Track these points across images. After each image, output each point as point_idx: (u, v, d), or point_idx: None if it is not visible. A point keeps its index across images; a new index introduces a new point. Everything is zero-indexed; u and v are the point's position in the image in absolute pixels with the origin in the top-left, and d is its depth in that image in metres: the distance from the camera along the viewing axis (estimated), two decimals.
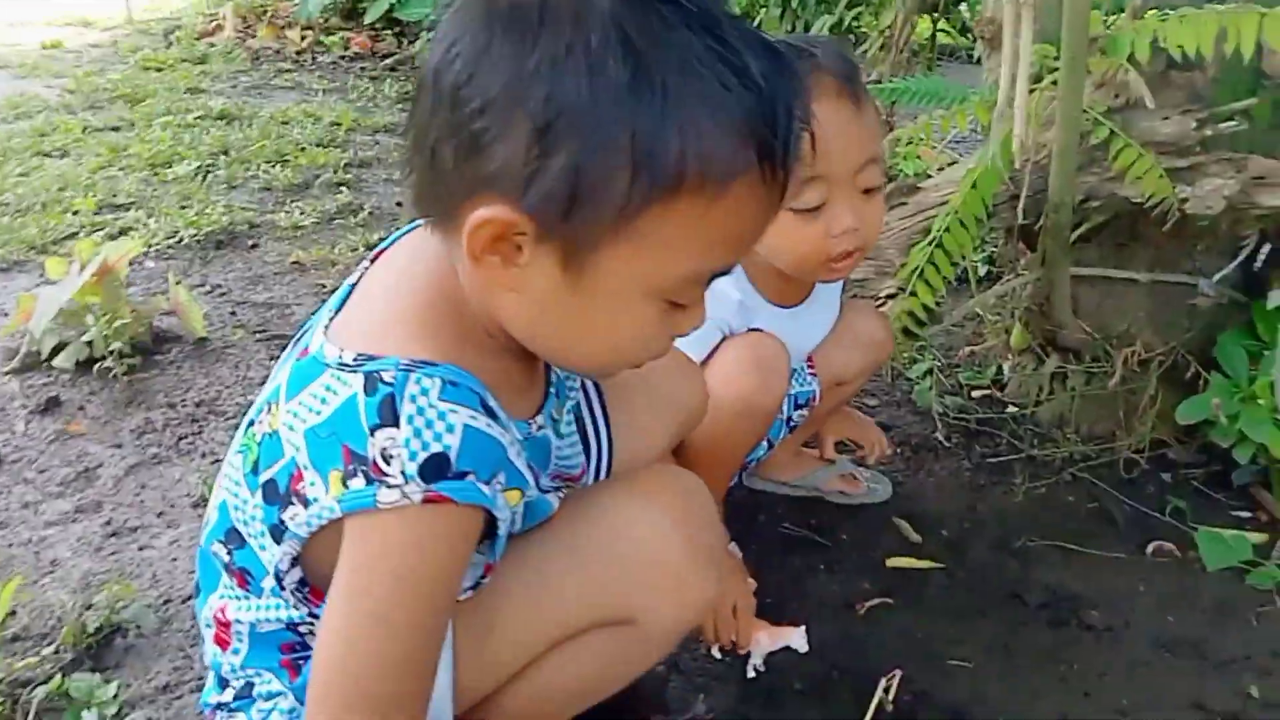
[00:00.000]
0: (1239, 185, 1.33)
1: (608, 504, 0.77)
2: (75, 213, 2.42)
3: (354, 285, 0.73)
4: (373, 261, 0.74)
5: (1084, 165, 1.38)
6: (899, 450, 1.62)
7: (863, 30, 2.86)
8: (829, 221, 1.08)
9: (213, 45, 4.59)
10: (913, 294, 1.42)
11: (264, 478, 0.67)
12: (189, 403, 1.64)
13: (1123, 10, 1.35)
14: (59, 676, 1.03)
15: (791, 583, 1.32)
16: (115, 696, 1.01)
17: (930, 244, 1.41)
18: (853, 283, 1.47)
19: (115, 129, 3.19)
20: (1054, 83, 1.32)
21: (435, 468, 0.61)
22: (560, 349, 0.69)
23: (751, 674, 1.12)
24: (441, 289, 0.68)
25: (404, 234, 0.76)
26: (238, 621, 0.75)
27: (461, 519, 0.64)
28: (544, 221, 0.60)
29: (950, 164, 1.85)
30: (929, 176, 1.64)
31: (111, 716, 1.00)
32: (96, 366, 1.67)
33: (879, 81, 1.82)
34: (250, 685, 0.77)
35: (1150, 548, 1.40)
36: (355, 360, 0.63)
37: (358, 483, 0.61)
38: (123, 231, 2.29)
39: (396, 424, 0.60)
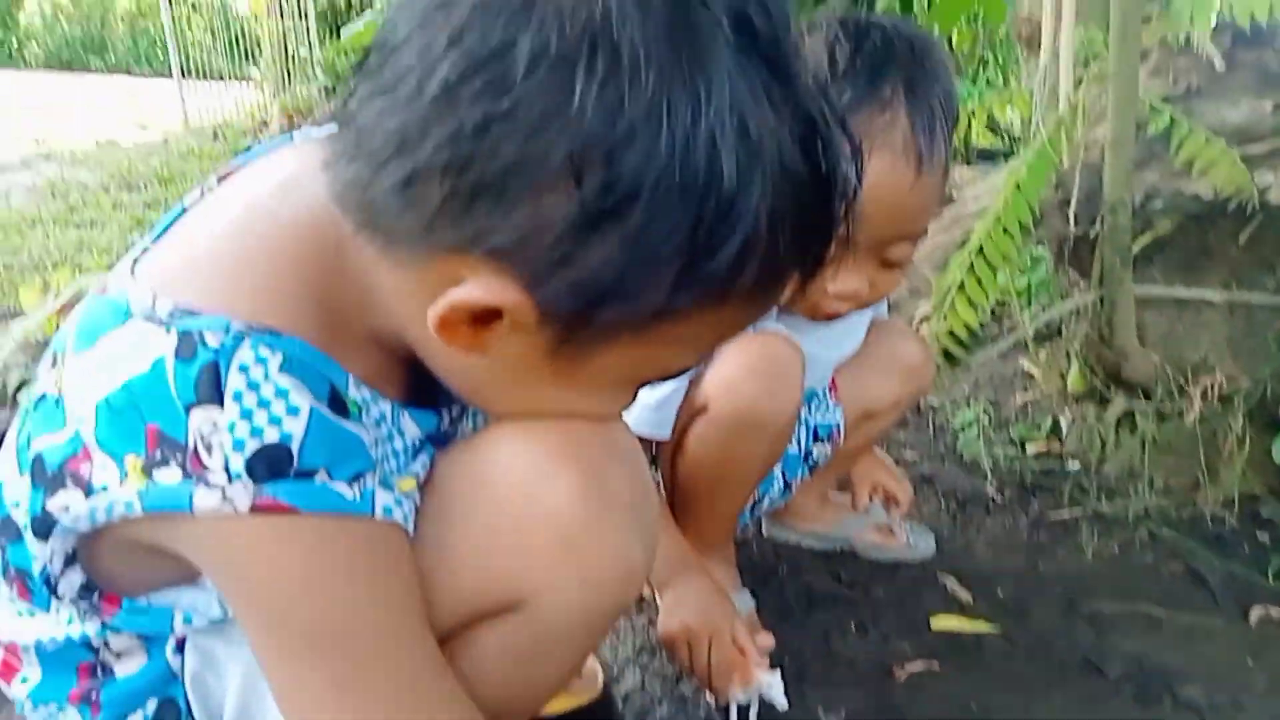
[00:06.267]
0: None
1: (480, 449, 0.57)
2: (87, 271, 2.39)
3: (187, 208, 0.54)
4: (220, 181, 0.55)
5: (1144, 161, 1.22)
6: (943, 504, 1.41)
7: None
8: (832, 278, 0.91)
9: (258, 140, 4.72)
10: (952, 308, 1.24)
11: (33, 451, 0.49)
12: None
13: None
14: None
15: (816, 643, 1.11)
16: None
17: (970, 253, 1.24)
18: None
19: (147, 206, 3.24)
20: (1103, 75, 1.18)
21: (270, 462, 0.45)
22: (496, 409, 0.56)
23: None
24: (317, 260, 0.49)
25: (267, 150, 0.56)
26: (22, 645, 0.56)
27: (346, 533, 0.48)
28: (552, 314, 0.45)
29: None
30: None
31: None
32: None
33: None
34: None
35: (1254, 615, 1.18)
36: (171, 314, 0.47)
37: (168, 475, 0.45)
38: None
39: (220, 402, 0.45)
